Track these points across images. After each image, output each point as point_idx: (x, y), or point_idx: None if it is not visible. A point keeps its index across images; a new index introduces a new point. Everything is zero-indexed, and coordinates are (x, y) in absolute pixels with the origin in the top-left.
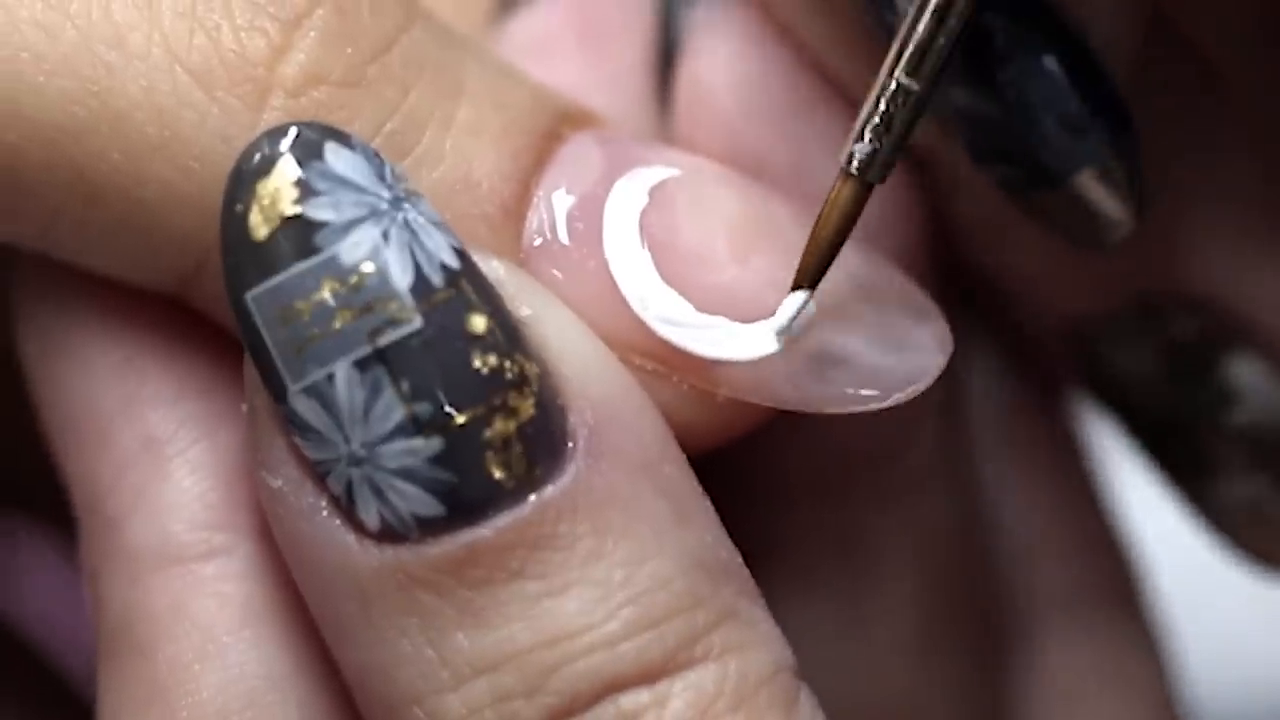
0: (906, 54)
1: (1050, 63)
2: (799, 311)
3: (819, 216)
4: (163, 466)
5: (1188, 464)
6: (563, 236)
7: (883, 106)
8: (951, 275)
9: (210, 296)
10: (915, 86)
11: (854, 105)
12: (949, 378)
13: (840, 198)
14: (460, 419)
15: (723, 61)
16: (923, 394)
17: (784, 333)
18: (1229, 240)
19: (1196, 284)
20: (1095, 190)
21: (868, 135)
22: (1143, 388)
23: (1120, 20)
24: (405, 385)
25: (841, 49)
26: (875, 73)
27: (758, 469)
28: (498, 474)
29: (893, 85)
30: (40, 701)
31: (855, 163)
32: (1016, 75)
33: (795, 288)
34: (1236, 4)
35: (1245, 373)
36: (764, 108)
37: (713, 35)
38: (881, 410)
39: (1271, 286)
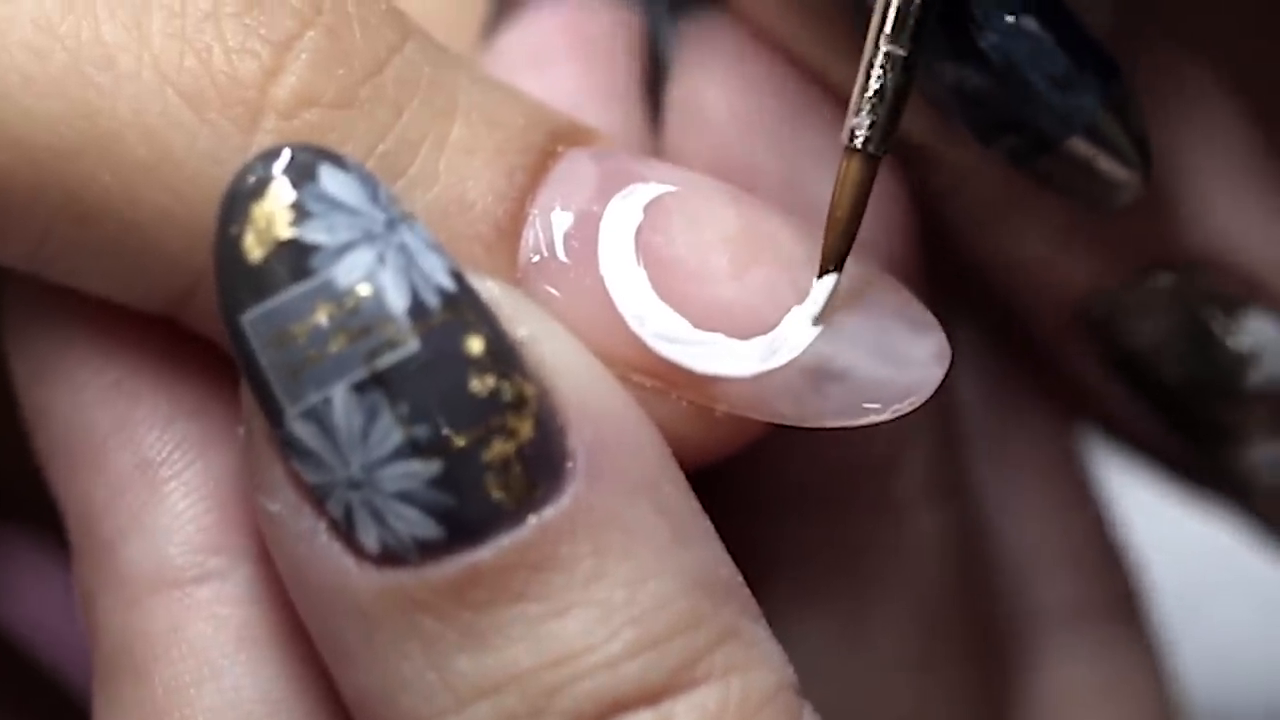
0: (888, 21)
1: (1029, 23)
2: (831, 295)
3: (832, 198)
4: (157, 489)
5: (1212, 434)
6: (559, 254)
7: (874, 77)
8: (948, 285)
9: (204, 317)
10: (901, 50)
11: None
12: (946, 389)
13: (849, 175)
14: (459, 441)
15: (713, 76)
16: (920, 406)
17: (818, 319)
18: (1232, 201)
19: (1203, 248)
20: (1097, 149)
21: (864, 109)
22: (1159, 360)
23: None
24: (403, 408)
25: (827, 50)
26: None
27: (755, 483)
28: (497, 496)
29: (880, 54)
30: (39, 713)
31: (857, 138)
32: (999, 40)
33: (822, 272)
34: None
35: (1259, 332)
36: (755, 122)
37: (703, 50)
38: (879, 423)
39: (1272, 243)
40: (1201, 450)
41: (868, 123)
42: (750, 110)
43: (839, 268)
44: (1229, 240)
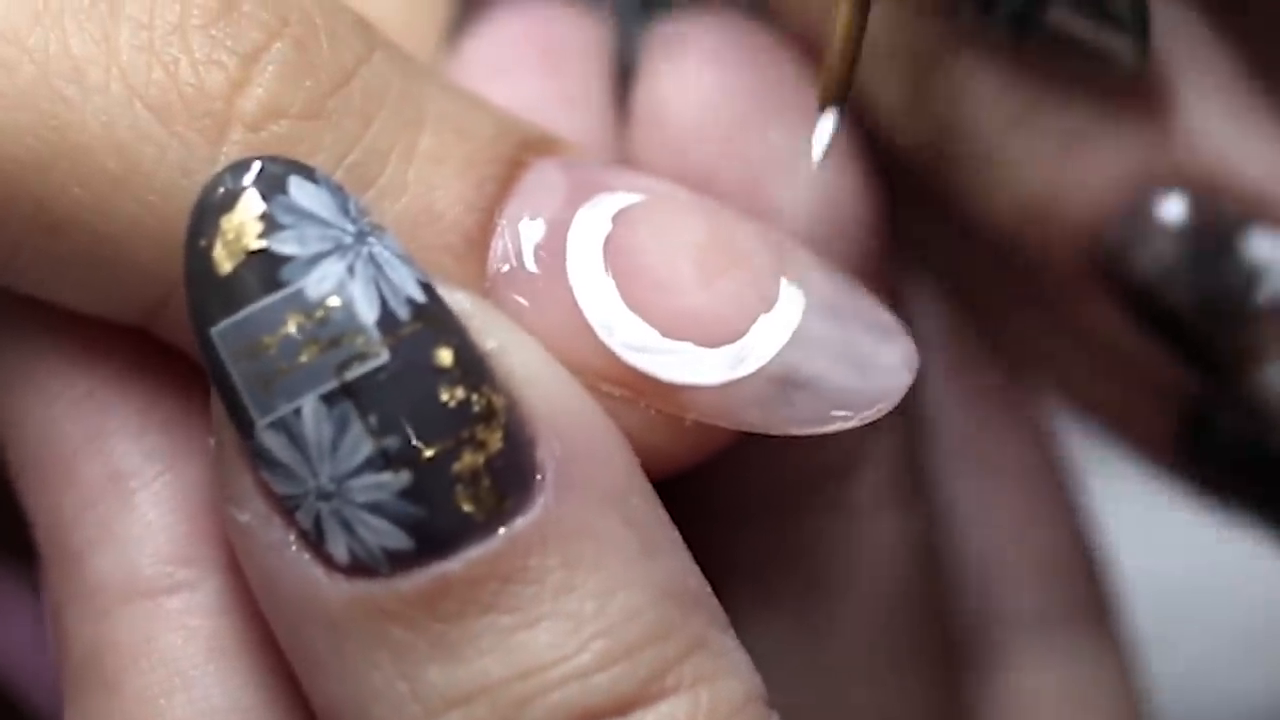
0: None
1: None
2: (834, 130)
3: (830, 36)
4: (128, 500)
5: (1228, 359)
6: (528, 264)
7: None
8: (917, 288)
9: (175, 328)
10: None
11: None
12: (910, 394)
13: (840, 12)
14: (428, 452)
15: (677, 83)
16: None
17: (821, 161)
18: (1227, 116)
19: (1203, 168)
20: (1091, 12)
21: None
22: (1168, 285)
23: None
24: (373, 419)
25: None
26: None
27: (713, 489)
28: (467, 507)
29: None
30: None
31: None
32: None
33: (822, 108)
34: None
35: (1265, 247)
36: (720, 129)
37: (668, 56)
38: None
39: (1274, 158)
40: (1216, 380)
41: None
42: (713, 117)
43: (840, 101)
44: (1228, 159)
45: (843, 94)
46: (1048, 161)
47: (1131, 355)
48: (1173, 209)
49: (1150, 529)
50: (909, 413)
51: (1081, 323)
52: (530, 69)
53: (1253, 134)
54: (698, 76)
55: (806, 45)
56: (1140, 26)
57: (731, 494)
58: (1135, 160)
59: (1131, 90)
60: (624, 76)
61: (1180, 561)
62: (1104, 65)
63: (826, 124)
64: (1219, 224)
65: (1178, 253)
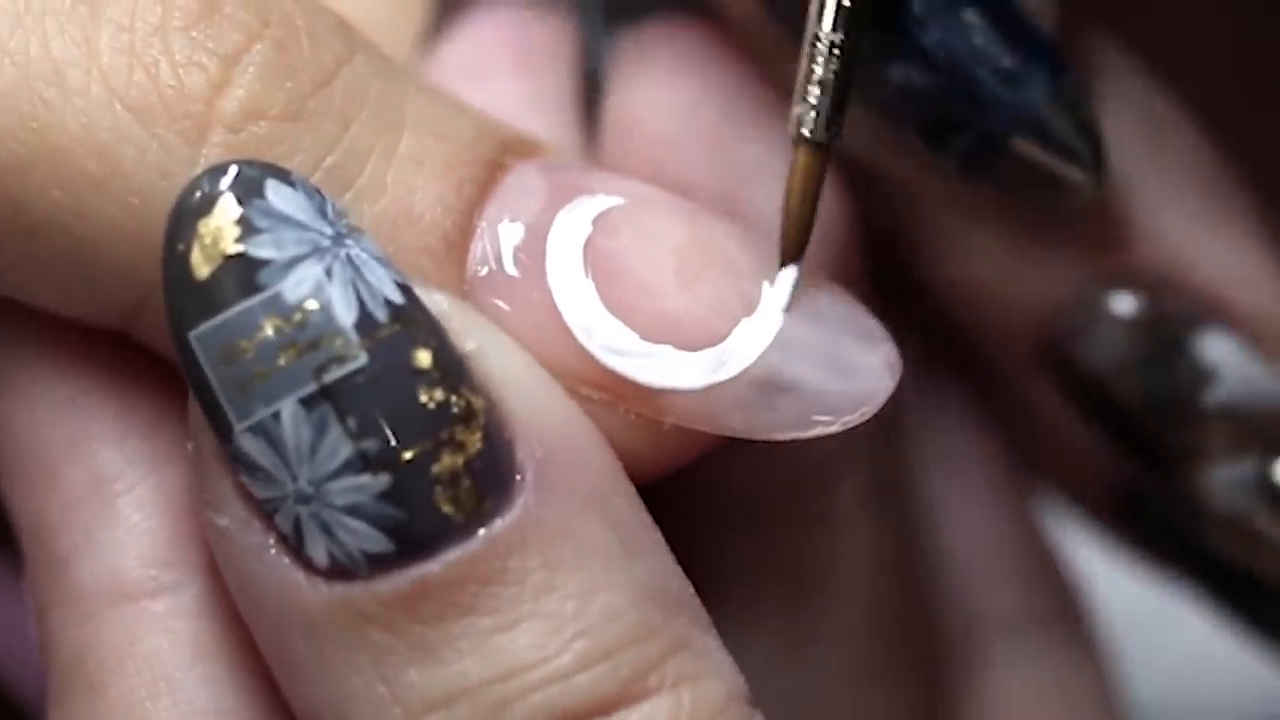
0: (827, 8)
1: (971, 15)
2: (794, 287)
3: (785, 191)
4: (111, 504)
5: (1169, 455)
6: (507, 267)
7: (817, 65)
8: (893, 297)
9: (154, 331)
10: (839, 38)
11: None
12: (889, 401)
13: (799, 165)
14: (408, 454)
15: (648, 89)
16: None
17: (786, 309)
18: (1184, 216)
19: (1155, 265)
20: (1047, 148)
21: (808, 97)
22: (1118, 380)
23: None
24: (352, 422)
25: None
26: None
27: (694, 497)
28: (446, 509)
29: (820, 41)
30: None
31: (803, 128)
32: (942, 35)
33: (783, 264)
34: None
35: (1217, 349)
36: (689, 136)
37: (638, 63)
38: (828, 434)
39: (1229, 260)
40: (1158, 475)
41: (811, 111)
42: (684, 124)
43: (799, 259)
44: (1185, 258)
45: (801, 250)
46: (1000, 256)
47: (1075, 439)
48: (1124, 304)
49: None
50: (887, 422)
51: (1030, 405)
52: (503, 74)
53: (1214, 234)
54: (668, 86)
55: (770, 51)
56: (1097, 163)
57: (712, 503)
58: (1089, 258)
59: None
60: (594, 83)
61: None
62: (1057, 198)
63: (788, 278)
64: (1170, 323)
65: (1128, 348)
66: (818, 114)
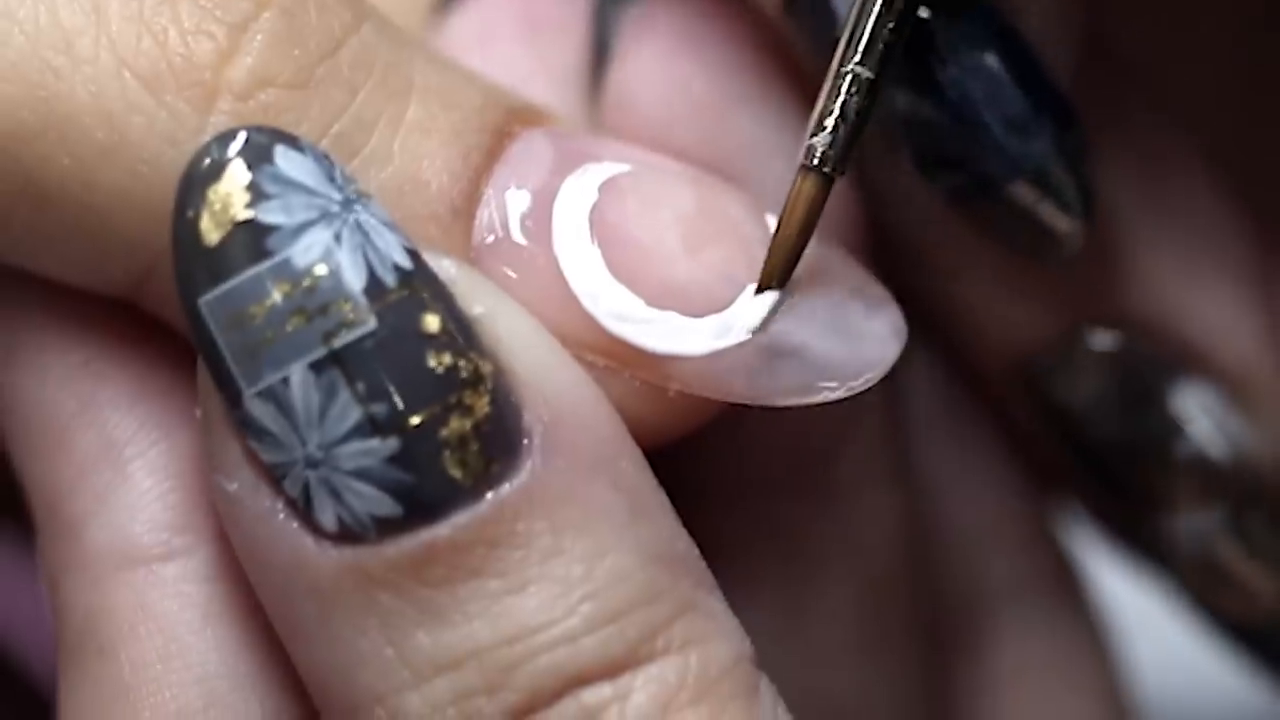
0: (861, 42)
1: (991, 60)
2: (771, 312)
3: (782, 214)
4: (122, 469)
5: (1140, 499)
6: (514, 233)
7: (840, 96)
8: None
9: (163, 299)
10: (868, 73)
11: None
12: (889, 374)
13: (803, 192)
14: (416, 419)
15: (648, 62)
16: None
17: (757, 331)
18: (1172, 266)
19: (1141, 310)
20: (1042, 197)
21: (827, 126)
22: (1092, 418)
23: (1059, 20)
24: (361, 386)
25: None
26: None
27: (697, 467)
28: (455, 473)
29: (846, 75)
30: (10, 704)
31: (816, 156)
32: (958, 75)
33: (762, 288)
34: (1175, 15)
35: (1194, 400)
36: (689, 112)
37: (640, 38)
38: (823, 405)
39: (1214, 312)
40: (1127, 510)
41: (827, 142)
42: (683, 98)
43: (780, 285)
44: (1170, 307)
45: (786, 278)
46: (985, 283)
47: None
48: (1104, 341)
49: None
50: (889, 393)
51: (1013, 416)
52: (511, 44)
53: (1200, 286)
54: (669, 60)
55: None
56: (1086, 213)
57: (716, 475)
58: (1074, 297)
59: None
60: (599, 55)
61: None
62: (1043, 242)
63: (765, 302)
64: (1148, 368)
65: (1104, 386)
66: (833, 146)
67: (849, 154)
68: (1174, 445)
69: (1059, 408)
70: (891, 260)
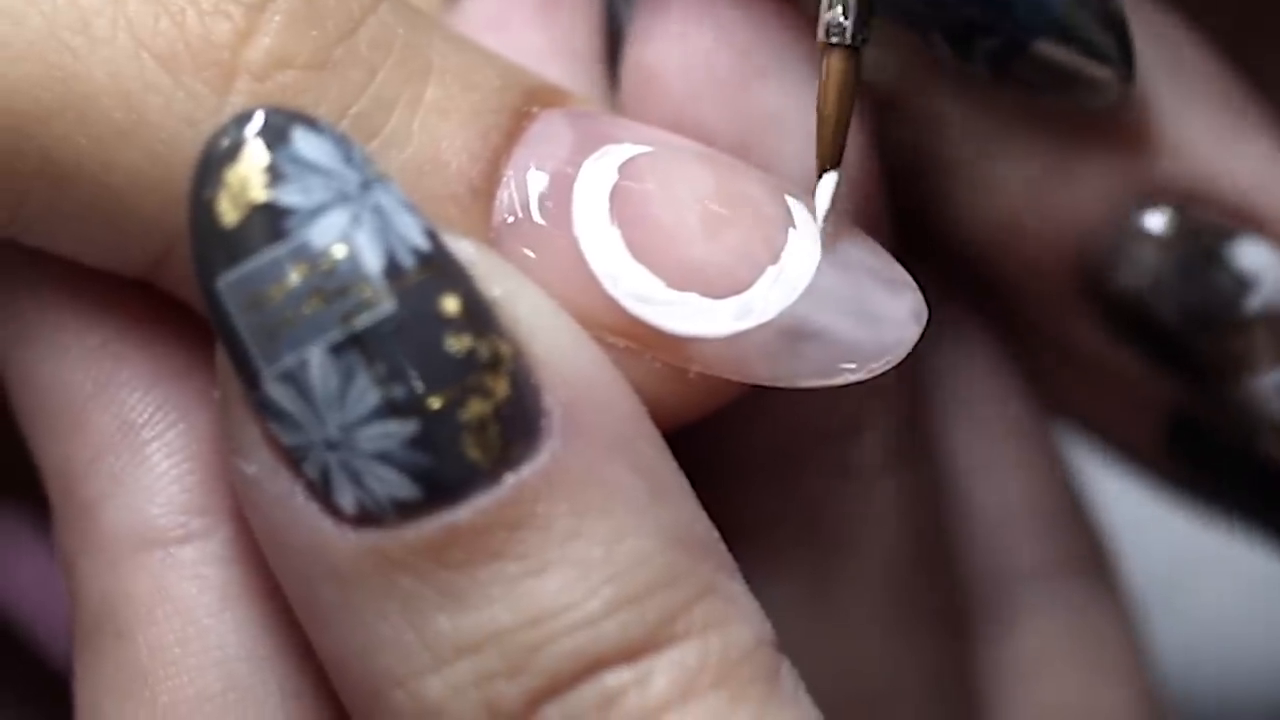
0: None
1: None
2: (834, 193)
3: (819, 98)
4: (140, 451)
5: (1216, 368)
6: (534, 215)
7: None
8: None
9: (181, 280)
10: None
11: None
12: (912, 352)
13: (831, 71)
14: (435, 401)
15: (666, 40)
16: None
17: (825, 221)
18: (1206, 128)
19: (1183, 175)
20: (1071, 47)
21: (836, 2)
22: (1156, 297)
23: None
24: (380, 368)
25: None
26: None
27: (718, 448)
28: (474, 455)
29: None
30: (26, 685)
31: (833, 33)
32: None
33: (820, 172)
34: None
35: (1254, 257)
36: (710, 87)
37: (657, 14)
38: (843, 387)
39: (1255, 168)
40: (1205, 390)
41: (839, 13)
42: (702, 75)
43: (836, 165)
44: (1211, 169)
45: (839, 154)
46: (1029, 181)
47: (1116, 368)
48: (1156, 221)
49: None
50: (910, 371)
51: (1066, 339)
52: (527, 24)
53: (1237, 144)
54: (688, 36)
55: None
56: (1125, 58)
57: (736, 454)
58: (1117, 176)
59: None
60: (615, 33)
61: (1183, 525)
62: (1087, 97)
63: (828, 185)
64: (1204, 235)
65: (1163, 264)
66: (846, 16)
67: (864, 20)
68: (1243, 303)
69: (1121, 296)
70: (929, 202)
